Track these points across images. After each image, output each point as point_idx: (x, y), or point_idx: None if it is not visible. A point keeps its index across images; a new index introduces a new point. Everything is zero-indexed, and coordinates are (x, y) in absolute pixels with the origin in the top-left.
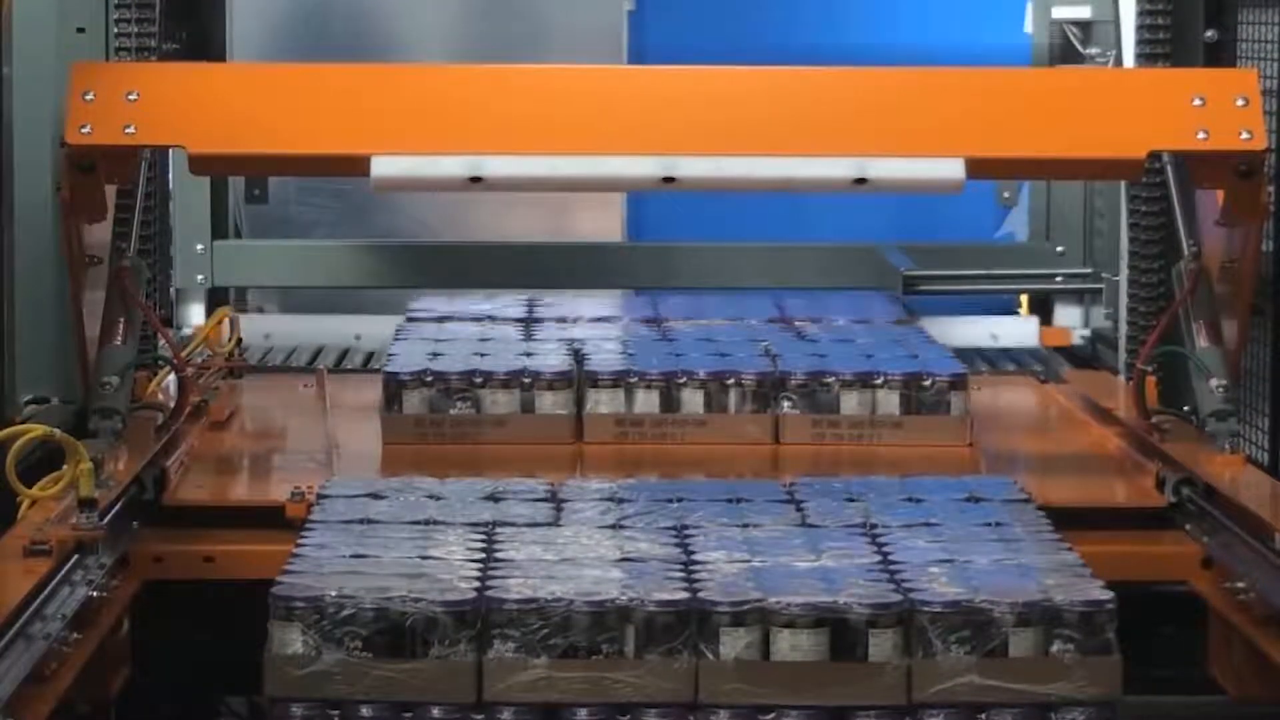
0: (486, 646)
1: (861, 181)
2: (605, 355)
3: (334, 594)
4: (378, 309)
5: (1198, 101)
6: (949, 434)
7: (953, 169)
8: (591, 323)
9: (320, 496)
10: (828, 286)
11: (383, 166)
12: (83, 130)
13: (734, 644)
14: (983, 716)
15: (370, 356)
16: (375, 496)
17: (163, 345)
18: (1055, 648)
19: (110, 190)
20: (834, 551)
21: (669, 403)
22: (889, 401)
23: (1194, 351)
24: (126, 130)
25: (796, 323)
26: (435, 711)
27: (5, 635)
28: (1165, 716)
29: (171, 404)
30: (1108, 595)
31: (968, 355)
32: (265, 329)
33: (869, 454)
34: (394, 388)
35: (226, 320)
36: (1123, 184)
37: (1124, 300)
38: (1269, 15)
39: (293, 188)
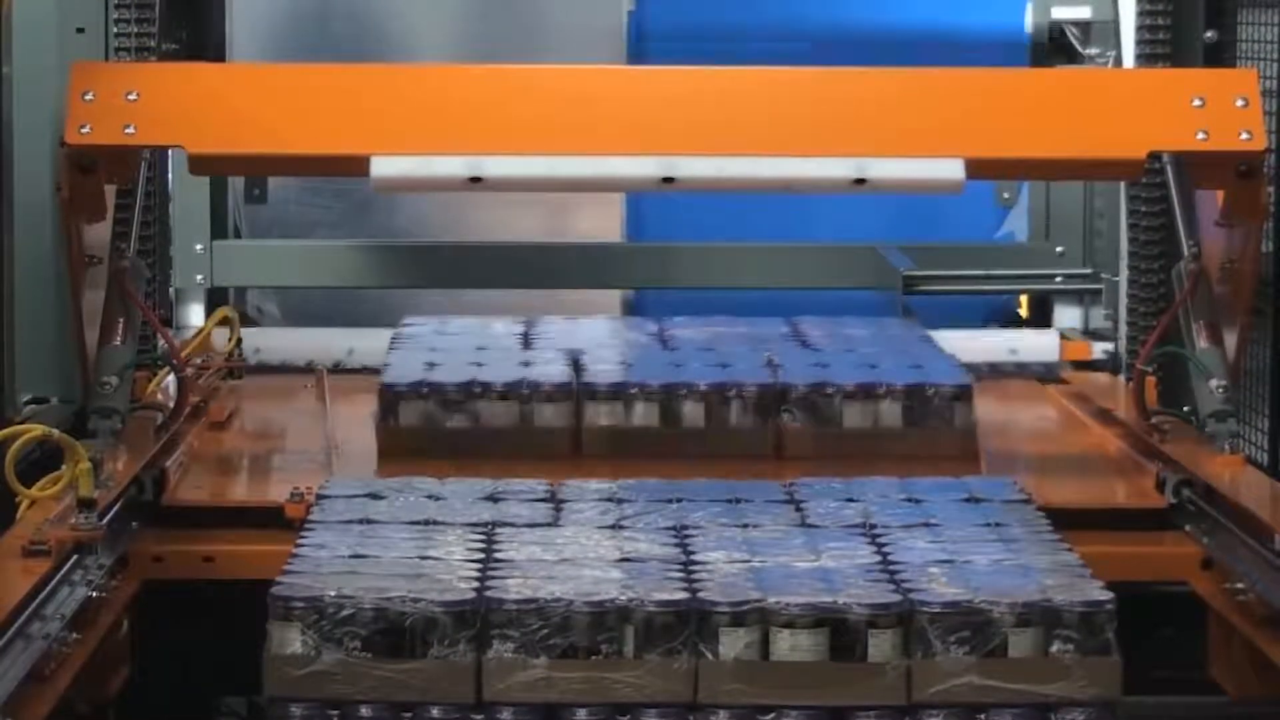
0: (486, 647)
1: (861, 182)
2: (604, 366)
3: (333, 594)
4: (373, 320)
5: (1197, 102)
6: (953, 446)
7: (952, 169)
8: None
9: (319, 497)
10: (827, 286)
11: (382, 166)
12: (82, 130)
13: (733, 644)
14: (982, 717)
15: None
16: (374, 497)
17: (162, 345)
18: (1055, 648)
19: (110, 190)
20: (834, 552)
21: (668, 415)
22: (892, 413)
23: (1194, 352)
24: (126, 130)
25: (801, 327)
26: (435, 712)
27: (4, 635)
28: (1165, 717)
29: (171, 404)
30: (1107, 596)
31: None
32: (256, 344)
33: (871, 468)
34: (390, 400)
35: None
36: (1122, 184)
37: (1124, 301)
38: (1269, 16)
39: (292, 188)
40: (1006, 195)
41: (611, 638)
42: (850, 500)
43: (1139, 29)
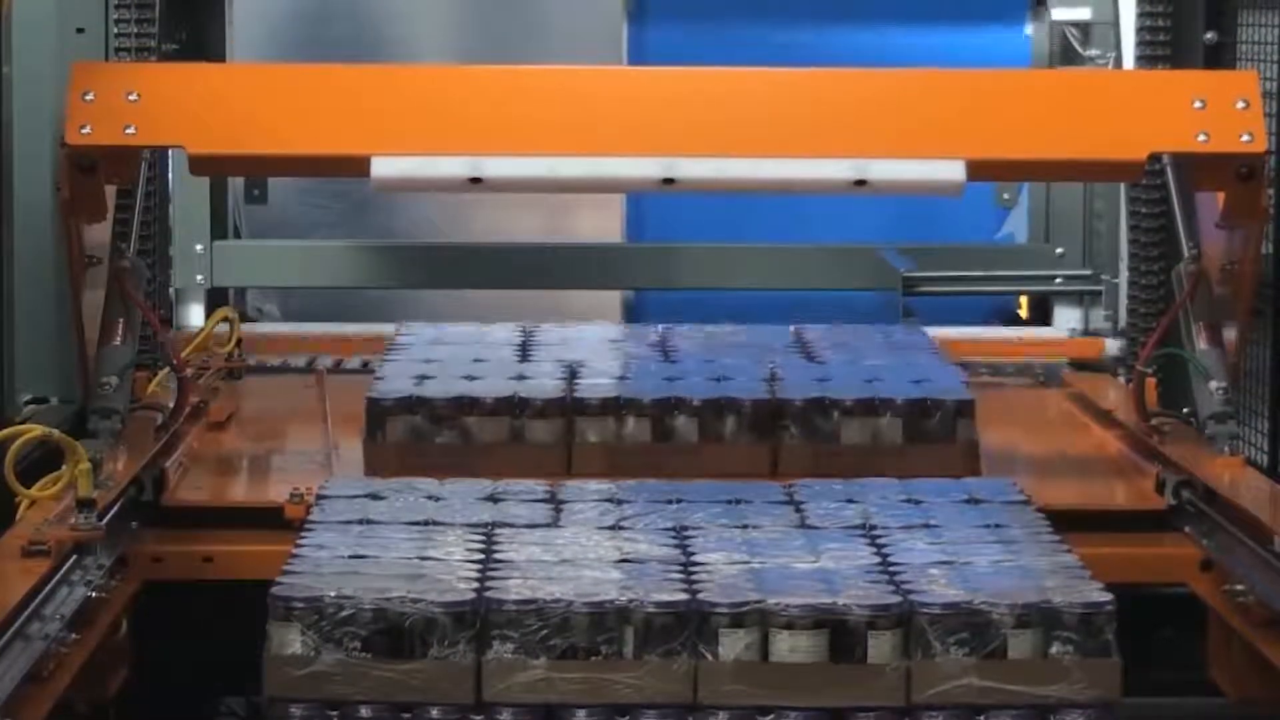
0: (485, 647)
1: (861, 183)
2: (597, 380)
3: (333, 594)
4: (373, 316)
5: (1198, 104)
6: (954, 463)
7: (953, 170)
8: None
9: (319, 497)
10: (827, 288)
11: (383, 167)
12: (83, 130)
13: (733, 645)
14: (982, 718)
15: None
16: (374, 497)
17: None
18: (1054, 649)
19: (110, 190)
20: (833, 553)
21: (662, 431)
22: (892, 430)
23: (1194, 354)
24: (126, 130)
25: (806, 335)
26: (434, 712)
27: (4, 635)
28: (1164, 718)
29: (171, 404)
30: (1107, 597)
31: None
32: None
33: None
34: (377, 414)
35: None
36: (1122, 185)
37: (1124, 302)
38: (1269, 18)
39: (292, 188)
40: (1006, 196)
41: (611, 638)
42: (850, 501)
43: (1139, 30)
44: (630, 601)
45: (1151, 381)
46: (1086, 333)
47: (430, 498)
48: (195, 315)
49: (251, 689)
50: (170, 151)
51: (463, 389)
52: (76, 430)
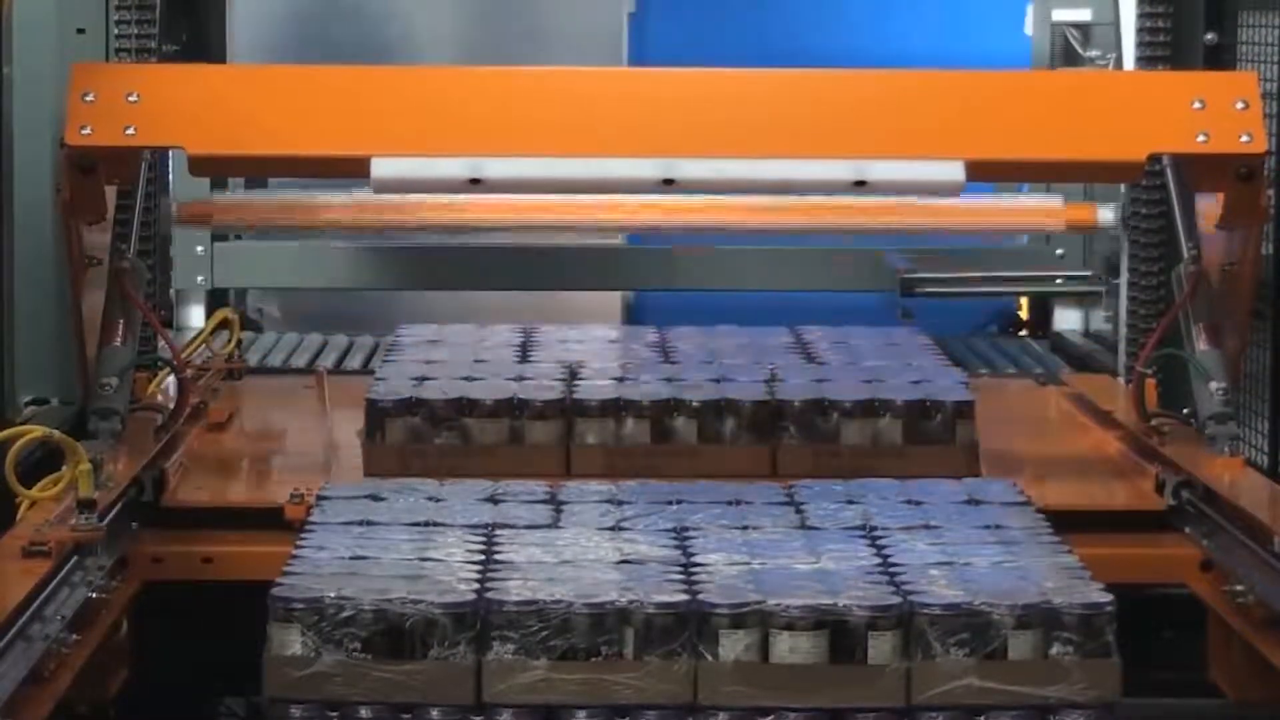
0: (486, 648)
1: (861, 184)
2: (597, 381)
3: (333, 595)
4: (374, 321)
5: (1198, 104)
6: (954, 464)
7: (952, 171)
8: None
9: (319, 498)
10: (828, 288)
11: (383, 168)
12: (83, 131)
13: (733, 646)
14: (982, 718)
15: (372, 353)
16: (374, 498)
17: (162, 346)
18: (1055, 650)
19: (110, 191)
20: (833, 554)
21: (661, 432)
22: (892, 431)
23: (1193, 354)
24: (127, 131)
25: (805, 337)
26: (434, 713)
27: (4, 636)
28: (1164, 719)
29: (171, 405)
30: (1107, 598)
31: (967, 357)
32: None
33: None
34: (377, 416)
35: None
36: (1123, 186)
37: (1124, 303)
38: (1269, 18)
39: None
40: None
41: (611, 639)
42: (850, 502)
43: (1139, 31)
44: (630, 602)
45: (1151, 382)
46: (1087, 334)
47: (430, 499)
48: (196, 316)
49: (252, 690)
50: (170, 152)
51: (462, 390)
52: (77, 431)
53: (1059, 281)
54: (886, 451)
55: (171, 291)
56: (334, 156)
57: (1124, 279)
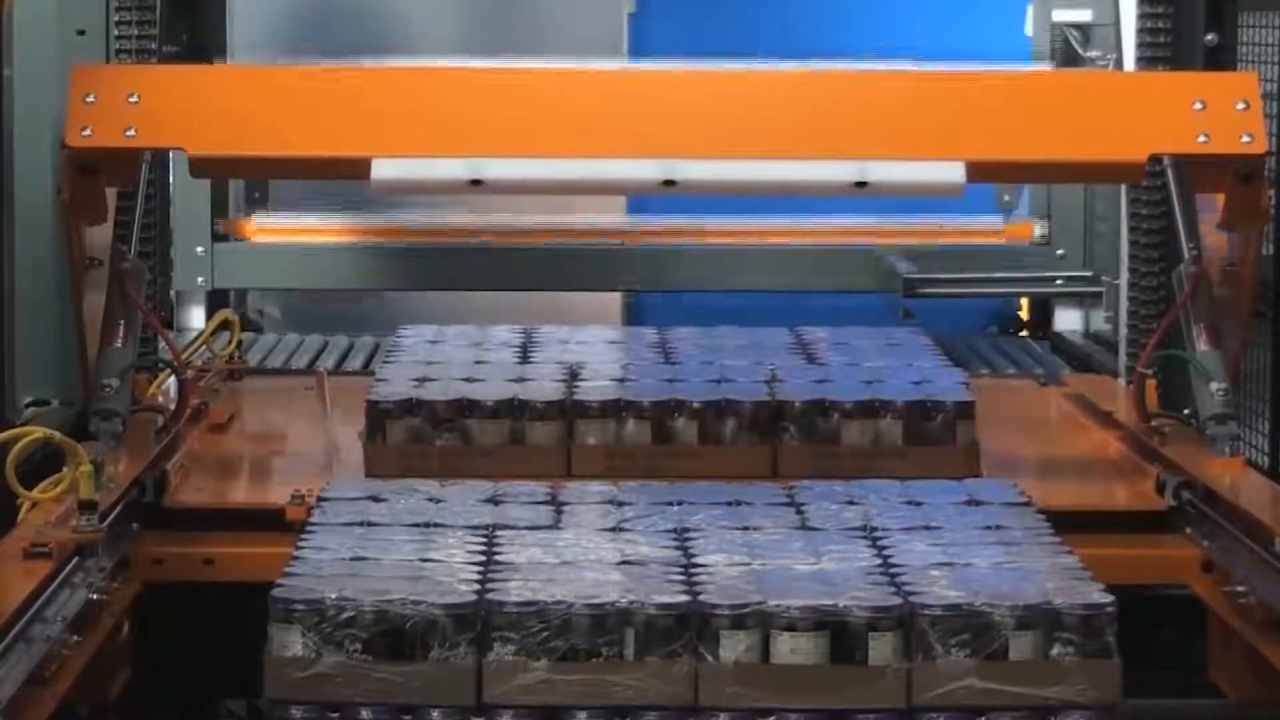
0: (486, 649)
1: (862, 185)
2: (597, 382)
3: (334, 596)
4: (374, 321)
5: (1198, 105)
6: (954, 466)
7: (953, 172)
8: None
9: (320, 499)
10: (828, 289)
11: (383, 169)
12: (84, 133)
13: (734, 647)
14: (983, 719)
15: (372, 354)
16: (375, 499)
17: (163, 347)
18: (1055, 651)
19: (111, 192)
20: (834, 554)
21: (662, 433)
22: (892, 432)
23: (1194, 355)
24: (127, 133)
25: (806, 337)
26: (435, 714)
27: (5, 637)
28: None
29: (172, 406)
30: (1108, 598)
31: (968, 357)
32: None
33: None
34: (377, 417)
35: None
36: (1123, 187)
37: (1124, 303)
38: (1269, 19)
39: (292, 190)
40: (1007, 198)
41: (612, 640)
42: (850, 503)
43: (1140, 32)
44: (631, 603)
45: (1152, 383)
46: (1087, 335)
47: (431, 500)
48: (196, 317)
49: (252, 691)
50: (171, 154)
51: (463, 391)
52: (77, 432)
53: (1059, 282)
54: (887, 452)
55: (172, 292)
56: (334, 157)
57: (1124, 279)
